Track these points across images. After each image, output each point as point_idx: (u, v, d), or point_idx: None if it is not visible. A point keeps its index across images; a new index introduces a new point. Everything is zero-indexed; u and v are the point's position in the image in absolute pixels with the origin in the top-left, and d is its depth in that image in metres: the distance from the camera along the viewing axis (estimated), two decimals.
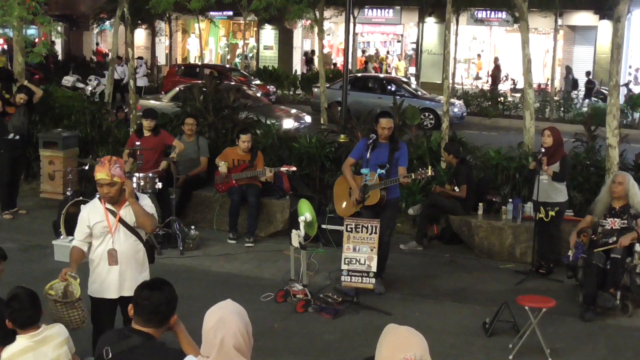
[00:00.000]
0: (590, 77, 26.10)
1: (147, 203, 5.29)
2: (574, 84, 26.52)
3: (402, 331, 2.77)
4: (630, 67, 27.22)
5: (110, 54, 18.44)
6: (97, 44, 37.30)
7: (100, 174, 4.98)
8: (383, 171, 7.39)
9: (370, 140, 7.56)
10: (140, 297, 3.50)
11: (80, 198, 8.93)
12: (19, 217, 10.40)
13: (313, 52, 33.10)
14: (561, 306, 6.78)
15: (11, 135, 10.14)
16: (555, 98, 23.31)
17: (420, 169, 7.65)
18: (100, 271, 5.15)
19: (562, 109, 23.11)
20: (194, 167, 10.20)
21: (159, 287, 3.55)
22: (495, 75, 28.66)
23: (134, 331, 3.42)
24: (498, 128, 21.60)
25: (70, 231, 8.77)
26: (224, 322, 3.05)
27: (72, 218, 8.82)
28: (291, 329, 6.84)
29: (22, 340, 4.13)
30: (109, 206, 5.09)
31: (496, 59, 29.68)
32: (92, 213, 5.11)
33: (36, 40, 21.50)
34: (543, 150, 8.47)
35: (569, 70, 27.35)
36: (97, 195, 5.19)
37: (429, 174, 7.50)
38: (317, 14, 13.85)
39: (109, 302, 5.16)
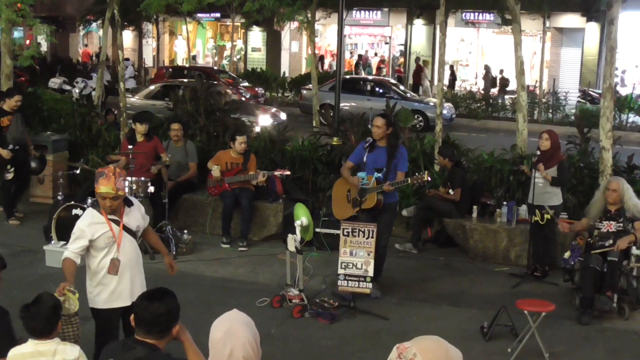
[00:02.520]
0: (504, 74, 26.67)
1: (142, 213, 5.24)
2: (493, 82, 27.09)
3: (425, 338, 2.71)
4: (617, 69, 27.36)
5: (100, 56, 18.29)
6: (97, 46, 37.08)
7: (106, 188, 4.76)
8: (380, 175, 7.34)
9: (367, 144, 7.50)
10: (139, 307, 3.44)
11: (72, 202, 8.83)
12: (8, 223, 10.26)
13: (360, 56, 32.73)
14: (558, 309, 6.74)
15: (11, 147, 9.97)
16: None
17: (417, 174, 7.61)
18: (109, 281, 4.98)
19: (550, 110, 23.31)
20: (183, 172, 10.09)
21: (159, 297, 3.47)
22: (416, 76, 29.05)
23: (138, 342, 3.35)
24: (487, 130, 21.68)
25: (61, 236, 8.67)
26: (233, 333, 2.99)
27: (64, 223, 8.75)
28: (288, 334, 6.78)
29: (28, 345, 4.07)
30: (111, 216, 4.93)
31: (418, 57, 30.01)
32: (94, 225, 4.89)
33: (27, 42, 21.32)
34: (538, 153, 8.46)
35: (488, 69, 27.80)
36: (89, 204, 5.04)
37: (425, 178, 7.45)
38: (309, 15, 13.78)
39: (119, 310, 5.03)
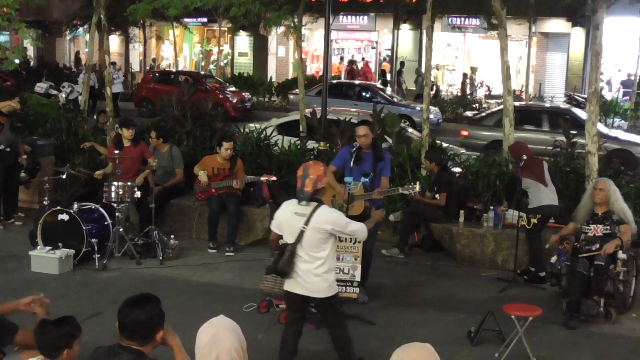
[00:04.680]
0: (421, 77, 27.24)
1: None
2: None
3: (413, 345, 2.72)
4: (602, 73, 27.54)
5: (86, 60, 18.25)
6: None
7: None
8: (367, 180, 7.33)
9: (354, 149, 7.48)
10: (121, 314, 3.42)
11: (58, 207, 8.76)
12: (9, 228, 10.18)
13: (402, 63, 32.47)
14: (545, 314, 6.75)
15: (1, 147, 9.89)
16: None
17: (409, 184, 7.63)
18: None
19: None
20: (168, 178, 10.02)
21: (141, 304, 3.45)
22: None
23: (124, 348, 3.32)
24: None
25: (47, 241, 8.61)
26: (219, 339, 2.97)
27: (49, 228, 8.69)
28: (275, 339, 6.70)
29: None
30: None
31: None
32: None
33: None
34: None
35: (419, 72, 27.97)
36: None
37: (417, 189, 7.47)
38: (296, 20, 13.78)
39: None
